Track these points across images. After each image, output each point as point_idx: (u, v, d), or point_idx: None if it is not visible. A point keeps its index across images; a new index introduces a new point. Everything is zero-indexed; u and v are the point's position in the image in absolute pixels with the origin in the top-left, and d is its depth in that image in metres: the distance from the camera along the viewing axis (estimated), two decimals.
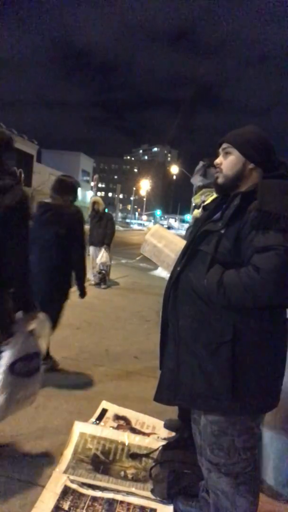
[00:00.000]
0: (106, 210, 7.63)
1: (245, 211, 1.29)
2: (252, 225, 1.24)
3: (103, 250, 7.17)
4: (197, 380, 1.35)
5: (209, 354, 1.31)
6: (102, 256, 7.11)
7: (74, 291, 6.89)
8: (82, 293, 3.24)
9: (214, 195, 2.23)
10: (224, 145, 1.44)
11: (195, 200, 2.48)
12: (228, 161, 1.42)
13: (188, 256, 1.42)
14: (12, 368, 1.72)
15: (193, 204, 2.52)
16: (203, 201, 2.26)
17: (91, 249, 7.48)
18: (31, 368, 1.82)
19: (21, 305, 1.79)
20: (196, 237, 1.43)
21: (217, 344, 1.30)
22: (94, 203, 7.37)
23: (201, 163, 2.48)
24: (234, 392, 1.29)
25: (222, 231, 1.32)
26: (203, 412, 1.43)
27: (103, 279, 7.26)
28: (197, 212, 2.31)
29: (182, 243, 1.64)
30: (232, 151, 1.41)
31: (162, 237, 1.70)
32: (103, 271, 7.28)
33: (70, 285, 3.09)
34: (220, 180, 1.45)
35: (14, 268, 1.74)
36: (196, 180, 2.48)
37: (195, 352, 1.36)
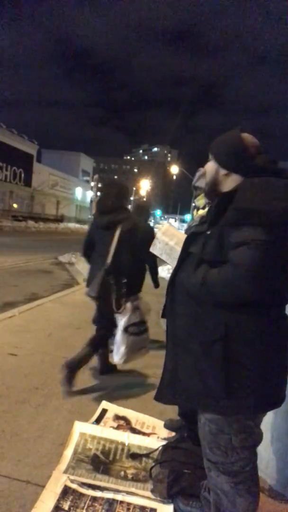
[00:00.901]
0: None
1: (227, 211, 1.32)
2: (230, 223, 1.27)
3: None
4: (193, 378, 1.37)
5: (203, 352, 1.33)
6: None
7: (74, 291, 6.87)
8: (157, 285, 4.85)
9: None
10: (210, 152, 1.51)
11: (199, 201, 2.47)
12: (206, 168, 1.50)
13: (180, 258, 1.47)
14: (126, 330, 2.75)
15: (193, 205, 2.52)
16: (208, 202, 2.26)
17: None
18: (140, 330, 2.82)
19: (129, 290, 2.83)
20: (186, 240, 1.49)
21: (210, 342, 1.31)
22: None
23: (202, 168, 2.49)
24: (228, 391, 1.29)
25: (208, 232, 1.36)
26: (201, 411, 1.43)
27: None
28: (202, 212, 2.31)
29: None
30: (211, 158, 1.48)
31: (174, 235, 1.73)
32: None
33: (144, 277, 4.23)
34: (205, 186, 1.54)
35: (127, 267, 2.80)
36: (203, 182, 2.48)
37: (190, 351, 1.38)
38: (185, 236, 1.75)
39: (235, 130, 1.43)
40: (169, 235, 1.73)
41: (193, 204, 2.50)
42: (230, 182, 1.40)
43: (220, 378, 1.30)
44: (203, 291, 1.31)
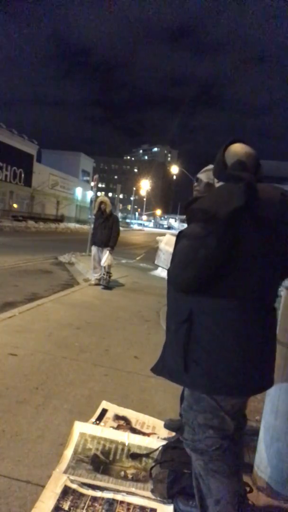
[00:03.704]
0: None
1: None
2: (188, 220, 1.46)
3: (107, 253, 7.15)
4: (169, 354, 1.56)
5: (175, 330, 1.50)
6: (106, 258, 7.11)
7: (74, 291, 6.89)
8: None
9: None
10: None
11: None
12: None
13: (172, 256, 1.62)
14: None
15: None
16: None
17: (93, 249, 7.48)
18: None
19: None
20: (176, 238, 1.64)
21: (179, 323, 1.48)
22: (101, 203, 7.32)
23: (210, 165, 2.49)
24: (186, 366, 1.44)
25: None
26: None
27: (108, 281, 7.27)
28: None
29: None
30: None
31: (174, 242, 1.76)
32: (110, 273, 7.29)
33: None
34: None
35: None
36: (204, 176, 2.46)
37: (169, 330, 1.57)
38: None
39: (224, 145, 1.59)
40: (171, 244, 1.76)
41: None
42: None
43: (181, 354, 1.45)
44: (169, 280, 1.50)
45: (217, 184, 1.61)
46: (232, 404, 1.49)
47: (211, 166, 2.45)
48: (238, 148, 1.55)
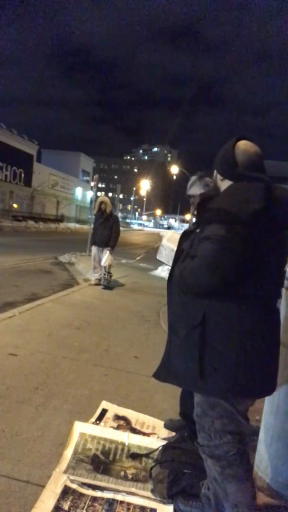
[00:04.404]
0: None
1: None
2: (205, 221, 1.41)
3: (107, 253, 7.15)
4: (179, 359, 1.52)
5: (186, 335, 1.47)
6: (107, 259, 7.11)
7: (74, 291, 6.89)
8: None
9: None
10: None
11: None
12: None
13: (176, 253, 1.62)
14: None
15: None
16: None
17: (93, 249, 7.48)
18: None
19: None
20: (180, 237, 1.64)
21: (191, 327, 1.44)
22: (102, 203, 7.32)
23: (193, 177, 2.48)
24: (201, 372, 1.41)
25: (197, 230, 1.49)
26: (194, 395, 1.56)
27: (108, 280, 7.27)
28: None
29: None
30: None
31: (178, 241, 1.76)
32: (110, 273, 7.29)
33: None
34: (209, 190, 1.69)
35: None
36: (195, 190, 2.44)
37: (178, 334, 1.53)
38: None
39: (231, 140, 1.54)
40: (174, 241, 1.77)
41: (193, 219, 2.45)
42: (224, 186, 1.53)
43: (195, 360, 1.42)
44: (181, 282, 1.46)
45: (223, 182, 1.55)
46: (246, 406, 1.50)
47: (193, 178, 2.46)
48: (247, 147, 1.51)
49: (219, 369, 1.39)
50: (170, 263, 1.78)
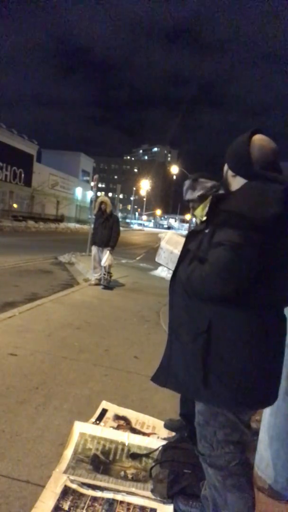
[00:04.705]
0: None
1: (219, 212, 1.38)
2: (219, 223, 1.33)
3: (107, 253, 7.15)
4: (181, 365, 1.45)
5: (189, 342, 1.40)
6: (107, 259, 7.11)
7: (74, 291, 6.89)
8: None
9: None
10: None
11: (203, 215, 2.38)
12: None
13: (181, 254, 1.54)
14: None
15: (194, 220, 2.44)
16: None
17: (93, 249, 7.48)
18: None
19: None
20: (186, 237, 1.56)
21: (195, 334, 1.38)
22: (102, 203, 7.32)
23: (187, 181, 2.46)
24: (205, 381, 1.35)
25: (206, 231, 1.40)
26: (195, 403, 1.51)
27: (108, 280, 7.27)
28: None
29: None
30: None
31: (178, 243, 1.71)
32: (110, 273, 7.29)
33: None
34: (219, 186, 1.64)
35: None
36: (193, 194, 2.42)
37: (180, 339, 1.46)
38: None
39: (246, 133, 1.44)
40: (173, 243, 1.72)
41: (193, 220, 2.42)
42: (236, 184, 1.45)
43: (200, 368, 1.36)
44: (188, 286, 1.39)
45: (235, 179, 1.45)
46: (249, 416, 1.46)
47: (188, 183, 2.44)
48: (264, 143, 1.40)
49: (223, 378, 1.34)
50: (169, 265, 1.73)
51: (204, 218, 1.72)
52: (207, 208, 2.30)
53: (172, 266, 1.70)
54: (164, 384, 1.57)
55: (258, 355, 1.34)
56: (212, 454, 1.45)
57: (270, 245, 1.25)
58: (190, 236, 1.52)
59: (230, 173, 1.48)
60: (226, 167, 1.50)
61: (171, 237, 1.77)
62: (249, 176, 1.39)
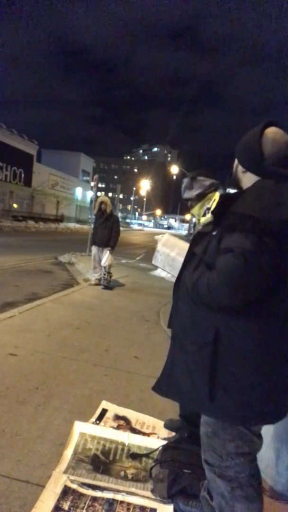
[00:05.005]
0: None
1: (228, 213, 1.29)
2: (227, 226, 1.23)
3: (107, 253, 7.15)
4: (184, 376, 1.37)
5: (194, 352, 1.32)
6: (107, 259, 7.11)
7: (74, 291, 6.89)
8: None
9: (215, 199, 2.20)
10: None
11: (200, 213, 2.37)
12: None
13: (186, 258, 1.46)
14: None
15: (193, 220, 2.41)
16: (208, 208, 2.23)
17: (93, 249, 7.48)
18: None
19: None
20: (192, 239, 1.47)
21: (201, 344, 1.29)
22: (102, 203, 7.33)
23: (186, 179, 2.45)
24: (212, 396, 1.26)
25: (214, 233, 1.31)
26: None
27: (108, 280, 7.27)
28: (204, 220, 2.24)
29: None
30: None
31: (175, 246, 1.68)
32: (110, 273, 7.29)
33: None
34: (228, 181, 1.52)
35: None
36: (191, 193, 2.40)
37: (184, 349, 1.38)
38: (186, 244, 1.72)
39: (258, 126, 1.33)
40: (169, 246, 1.69)
41: (193, 219, 2.39)
42: (247, 180, 1.36)
43: (205, 381, 1.27)
44: (194, 294, 1.30)
45: (245, 175, 1.37)
46: (261, 426, 1.39)
47: (186, 181, 2.43)
48: (278, 136, 1.29)
49: (231, 392, 1.24)
50: (166, 268, 1.71)
51: (203, 219, 1.69)
52: (205, 207, 2.30)
53: (169, 269, 1.68)
54: (165, 394, 1.50)
55: (269, 369, 1.25)
56: (221, 465, 1.37)
57: (285, 251, 1.15)
58: (196, 238, 1.43)
59: (240, 168, 1.38)
60: (236, 161, 1.41)
61: (168, 239, 1.74)
62: (260, 173, 1.29)
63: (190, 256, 1.43)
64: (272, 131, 1.31)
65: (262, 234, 1.13)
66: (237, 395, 1.24)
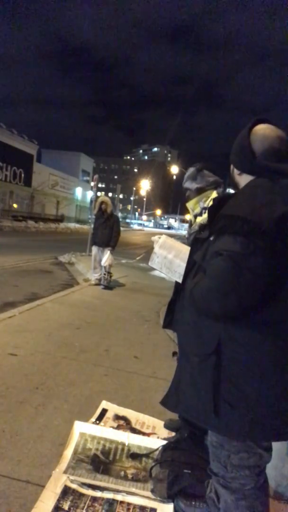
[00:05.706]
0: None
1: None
2: (217, 230, 1.19)
3: (108, 253, 7.16)
4: (190, 390, 1.32)
5: (198, 364, 1.27)
6: (107, 259, 7.11)
7: (74, 291, 6.89)
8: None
9: (212, 197, 2.19)
10: None
11: (194, 208, 2.38)
12: None
13: (187, 265, 1.42)
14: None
15: (193, 213, 2.39)
16: (204, 208, 2.23)
17: (93, 249, 7.49)
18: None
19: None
20: (191, 246, 1.44)
21: (204, 355, 1.24)
22: (102, 203, 7.33)
23: (192, 168, 2.43)
24: (216, 410, 1.20)
25: (211, 238, 1.26)
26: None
27: (109, 280, 7.28)
28: (201, 219, 2.23)
29: None
30: None
31: (172, 248, 1.67)
32: (110, 273, 7.29)
33: None
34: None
35: None
36: (192, 184, 2.38)
37: (189, 361, 1.33)
38: (183, 246, 1.71)
39: (244, 130, 1.30)
40: (167, 248, 1.68)
41: (193, 213, 2.37)
42: (243, 183, 1.31)
43: (209, 394, 1.21)
44: (191, 302, 1.25)
45: (242, 177, 1.32)
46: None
47: (191, 170, 2.41)
48: (267, 131, 1.25)
49: (236, 407, 1.18)
50: (163, 270, 1.69)
51: (200, 218, 1.68)
52: (201, 204, 2.29)
53: (166, 271, 1.66)
54: (173, 409, 1.45)
55: (275, 381, 1.17)
56: (226, 475, 1.32)
57: (281, 252, 1.09)
58: (195, 245, 1.40)
59: (235, 171, 1.35)
60: (231, 166, 1.38)
61: (165, 241, 1.72)
62: (254, 172, 1.25)
63: (191, 264, 1.39)
64: (261, 128, 1.28)
65: (251, 234, 1.08)
66: (242, 410, 1.18)
